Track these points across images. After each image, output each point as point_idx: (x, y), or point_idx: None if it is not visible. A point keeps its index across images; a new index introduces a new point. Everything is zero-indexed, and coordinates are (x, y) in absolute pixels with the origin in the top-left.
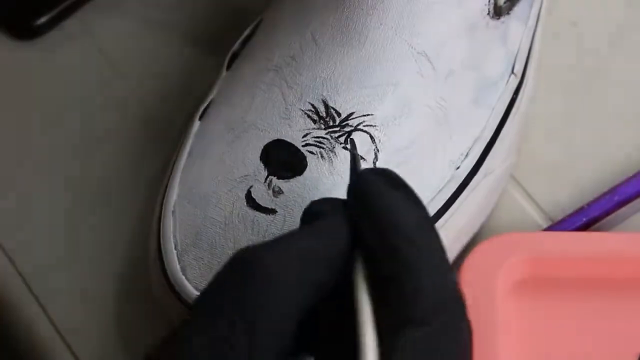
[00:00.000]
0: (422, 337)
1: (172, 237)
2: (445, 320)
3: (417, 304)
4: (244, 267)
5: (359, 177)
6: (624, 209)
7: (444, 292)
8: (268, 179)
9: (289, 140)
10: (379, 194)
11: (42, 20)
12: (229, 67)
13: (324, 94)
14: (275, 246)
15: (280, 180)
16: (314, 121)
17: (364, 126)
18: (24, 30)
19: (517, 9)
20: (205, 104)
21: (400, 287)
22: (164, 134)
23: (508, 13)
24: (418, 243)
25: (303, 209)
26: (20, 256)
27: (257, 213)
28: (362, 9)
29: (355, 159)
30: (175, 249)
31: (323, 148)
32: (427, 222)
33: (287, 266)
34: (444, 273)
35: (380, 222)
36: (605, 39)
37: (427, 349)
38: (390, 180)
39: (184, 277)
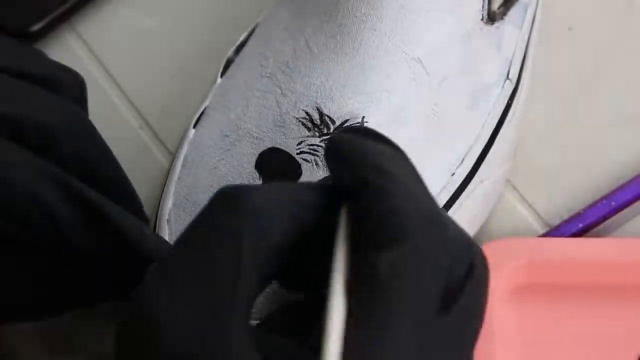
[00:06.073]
0: (393, 260)
1: None
2: (420, 241)
3: (385, 226)
4: (228, 197)
5: (330, 140)
6: (620, 214)
7: (416, 213)
8: None
9: (283, 148)
10: (349, 138)
11: (37, 27)
12: (223, 74)
13: (318, 102)
14: (260, 186)
15: None
16: (309, 129)
17: None
18: (19, 36)
19: (512, 14)
20: (199, 112)
21: (371, 213)
22: (158, 141)
23: (502, 18)
24: (387, 170)
25: None
26: None
27: None
28: (356, 16)
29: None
30: None
31: (318, 156)
32: (402, 157)
33: (271, 199)
34: (417, 196)
35: (350, 159)
36: (602, 44)
37: (397, 273)
38: (364, 133)
39: None
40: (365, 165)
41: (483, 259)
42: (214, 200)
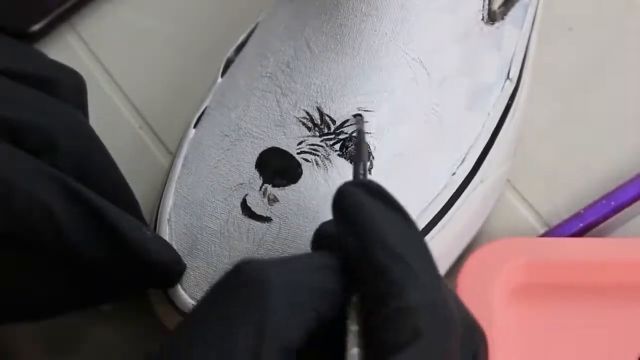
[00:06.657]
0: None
1: None
2: (432, 339)
3: (401, 327)
4: (250, 282)
5: (338, 192)
6: (620, 214)
7: (426, 310)
8: (263, 187)
9: (284, 148)
10: (359, 207)
11: (37, 27)
12: (223, 73)
13: (318, 101)
14: (282, 265)
15: (276, 188)
16: (309, 129)
17: None
18: (19, 36)
19: (512, 14)
20: (199, 112)
21: (380, 312)
22: (158, 140)
23: (502, 18)
24: (405, 259)
25: (300, 219)
26: None
27: (253, 221)
28: (356, 16)
29: (357, 167)
30: None
31: (318, 156)
32: (413, 235)
33: (292, 286)
34: (431, 290)
35: (362, 238)
36: (602, 43)
37: None
38: (372, 192)
39: (179, 286)
40: (372, 241)
41: (485, 344)
42: (235, 279)
